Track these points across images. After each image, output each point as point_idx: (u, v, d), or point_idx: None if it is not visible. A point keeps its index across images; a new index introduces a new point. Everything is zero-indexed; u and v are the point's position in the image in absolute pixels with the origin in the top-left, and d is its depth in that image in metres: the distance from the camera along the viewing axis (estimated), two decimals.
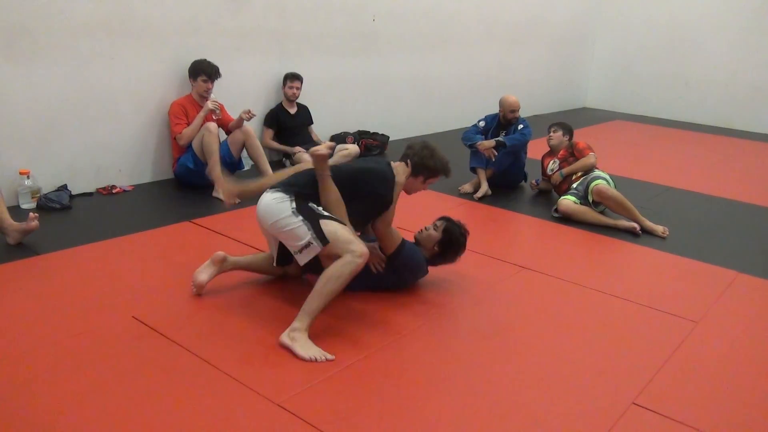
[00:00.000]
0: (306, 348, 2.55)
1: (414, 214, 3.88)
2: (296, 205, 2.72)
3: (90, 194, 4.52)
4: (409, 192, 3.16)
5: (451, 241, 3.25)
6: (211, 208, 4.39)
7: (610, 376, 2.59)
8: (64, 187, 4.36)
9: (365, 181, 2.90)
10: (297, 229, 2.67)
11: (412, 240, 3.29)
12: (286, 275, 3.25)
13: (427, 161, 3.04)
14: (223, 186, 3.22)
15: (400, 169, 3.05)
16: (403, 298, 3.16)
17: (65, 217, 4.07)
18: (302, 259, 2.70)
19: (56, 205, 4.14)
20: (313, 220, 2.67)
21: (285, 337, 2.60)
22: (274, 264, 3.05)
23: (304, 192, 2.80)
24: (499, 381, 2.53)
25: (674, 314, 3.16)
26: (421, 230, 3.31)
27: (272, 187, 2.86)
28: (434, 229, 3.28)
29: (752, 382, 2.62)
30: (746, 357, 2.82)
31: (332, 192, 2.79)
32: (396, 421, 2.24)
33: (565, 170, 4.78)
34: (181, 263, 3.44)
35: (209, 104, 4.64)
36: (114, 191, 4.59)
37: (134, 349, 2.57)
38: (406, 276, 3.25)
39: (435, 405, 2.34)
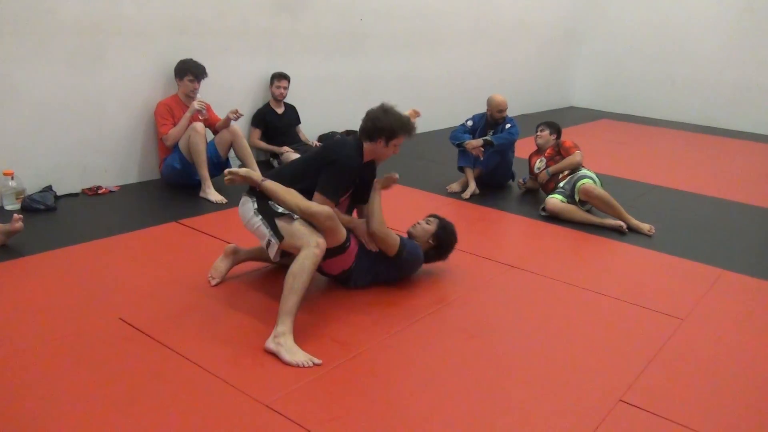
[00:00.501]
0: (292, 353, 2.54)
1: (402, 213, 3.89)
2: (257, 206, 2.93)
3: (75, 195, 4.48)
4: (378, 159, 3.17)
5: (446, 233, 3.35)
6: (198, 208, 4.37)
7: (598, 373, 2.61)
8: (48, 188, 4.32)
9: (328, 149, 3.08)
10: (259, 228, 2.90)
11: (405, 236, 3.33)
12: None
13: (377, 122, 3.00)
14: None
15: (365, 145, 3.08)
16: (390, 297, 3.16)
17: (50, 218, 4.03)
18: (271, 253, 2.88)
19: (41, 206, 4.10)
20: (269, 219, 2.86)
21: (270, 343, 2.59)
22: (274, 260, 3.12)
23: (259, 194, 2.96)
24: (487, 379, 2.53)
25: (660, 311, 3.18)
26: (414, 225, 3.39)
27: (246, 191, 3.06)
28: (427, 223, 3.36)
29: (738, 378, 2.64)
30: (732, 353, 2.84)
31: (277, 192, 2.90)
32: (384, 421, 2.23)
33: (552, 169, 4.80)
34: (168, 264, 3.42)
35: (195, 104, 4.61)
36: (100, 192, 4.56)
37: (121, 352, 2.55)
38: (407, 269, 3.32)
39: (423, 404, 2.34)
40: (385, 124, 2.99)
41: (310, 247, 2.71)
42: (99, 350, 2.55)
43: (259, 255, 3.32)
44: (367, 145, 3.07)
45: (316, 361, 2.53)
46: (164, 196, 4.67)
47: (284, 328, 2.60)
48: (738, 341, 2.96)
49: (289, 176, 3.03)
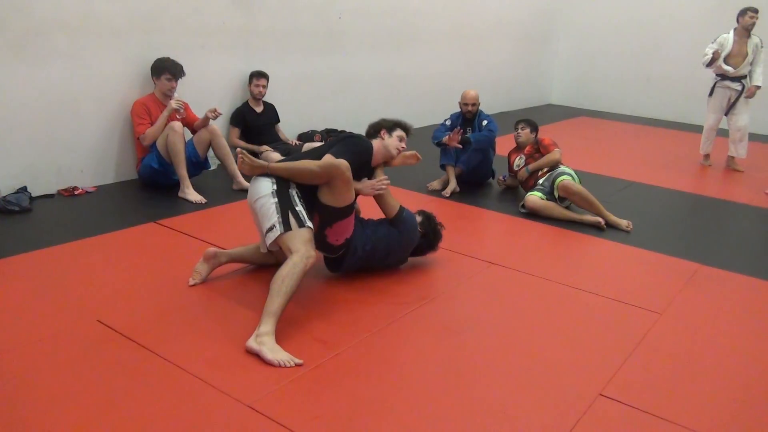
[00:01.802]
0: (274, 352, 2.53)
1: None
2: (277, 187, 2.91)
3: (51, 196, 4.42)
4: (388, 152, 3.36)
5: (430, 221, 3.50)
6: (177, 208, 4.33)
7: (577, 368, 2.63)
8: (23, 189, 4.24)
9: (340, 137, 3.29)
10: (268, 209, 2.87)
11: None
12: (278, 263, 3.21)
13: (376, 124, 3.42)
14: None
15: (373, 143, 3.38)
16: (372, 296, 3.16)
17: (25, 219, 3.97)
18: (267, 241, 2.88)
19: (15, 208, 4.03)
20: (284, 208, 2.85)
21: (252, 342, 2.57)
22: (262, 250, 3.14)
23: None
24: (468, 376, 2.54)
25: (639, 306, 3.22)
26: None
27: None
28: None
29: (714, 371, 2.68)
30: (708, 347, 2.89)
31: (288, 166, 2.95)
32: (367, 420, 2.24)
33: (531, 166, 4.83)
34: (147, 265, 3.39)
35: (173, 103, 4.56)
36: (76, 192, 4.49)
37: (99, 354, 2.52)
38: (406, 237, 3.39)
39: (406, 402, 2.34)
40: (383, 122, 3.40)
41: (304, 256, 2.73)
42: (77, 353, 2.51)
43: (241, 257, 3.30)
44: (374, 143, 3.33)
45: (297, 361, 2.53)
46: (142, 196, 4.62)
47: (267, 328, 2.59)
48: (715, 334, 3.00)
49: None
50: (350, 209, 3.04)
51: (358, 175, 3.16)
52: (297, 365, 2.51)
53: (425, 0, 7.55)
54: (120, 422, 2.12)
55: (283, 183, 2.94)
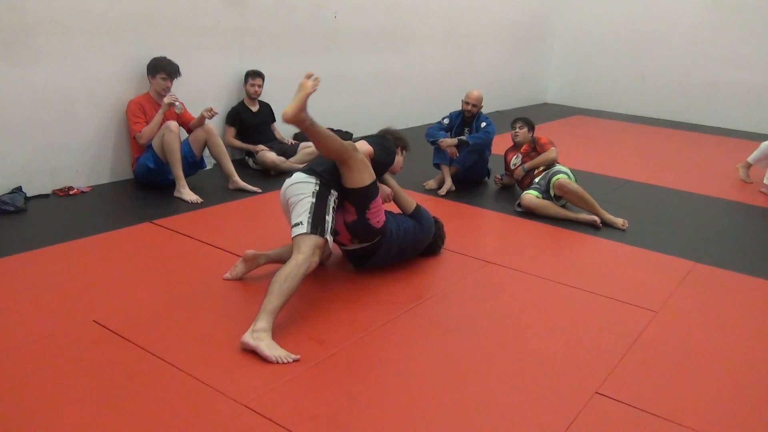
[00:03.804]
0: (271, 348, 2.53)
1: None
2: (319, 189, 2.99)
3: (46, 196, 4.40)
4: (394, 170, 3.55)
5: (438, 226, 3.65)
6: (173, 208, 4.32)
7: (573, 366, 2.64)
8: (18, 189, 4.23)
9: (380, 137, 3.49)
10: (303, 205, 2.93)
11: None
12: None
13: (400, 136, 3.63)
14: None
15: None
16: (368, 295, 3.16)
17: (20, 219, 3.95)
18: (294, 232, 2.90)
19: (10, 208, 4.01)
20: (318, 211, 2.92)
21: (248, 338, 2.56)
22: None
23: (326, 178, 3.04)
24: (464, 375, 2.54)
25: (634, 304, 3.22)
26: None
27: (302, 169, 3.15)
28: None
29: (709, 368, 2.69)
30: (704, 344, 2.90)
31: (324, 133, 2.98)
32: (364, 419, 2.23)
33: (528, 165, 4.84)
34: (142, 265, 3.38)
35: (165, 100, 4.54)
36: (71, 192, 4.48)
37: (95, 354, 2.51)
38: (426, 226, 3.54)
39: (402, 401, 2.34)
40: (403, 139, 3.61)
41: (308, 259, 2.78)
42: (73, 353, 2.51)
43: (279, 258, 3.31)
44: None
45: (295, 357, 2.53)
46: (138, 196, 4.61)
47: (264, 325, 2.59)
48: (710, 332, 3.01)
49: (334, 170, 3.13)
50: (376, 187, 3.14)
51: (376, 173, 3.22)
52: (294, 361, 2.51)
53: None
54: (116, 422, 2.12)
55: (324, 188, 3.00)
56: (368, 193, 3.09)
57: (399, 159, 3.55)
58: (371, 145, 3.24)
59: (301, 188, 3.00)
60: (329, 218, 2.94)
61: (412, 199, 3.55)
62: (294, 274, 2.71)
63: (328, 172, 3.06)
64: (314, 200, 2.94)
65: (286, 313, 2.79)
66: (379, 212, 3.18)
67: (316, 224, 2.88)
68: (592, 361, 2.68)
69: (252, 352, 2.54)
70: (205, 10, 5.19)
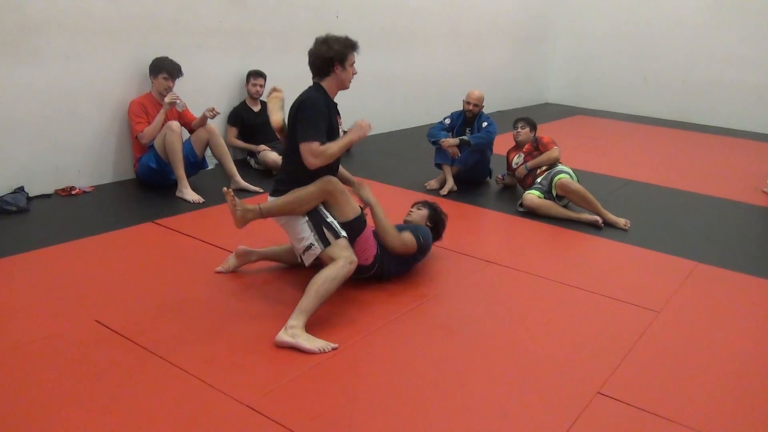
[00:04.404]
0: (311, 341, 2.59)
1: (385, 209, 3.88)
2: None
3: (48, 196, 4.41)
4: (343, 86, 3.08)
5: (437, 212, 3.59)
6: (175, 208, 4.32)
7: (575, 366, 2.63)
8: (20, 189, 4.24)
9: (292, 107, 3.02)
10: (300, 226, 2.88)
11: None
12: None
13: (324, 54, 2.99)
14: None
15: (324, 83, 3.06)
16: (370, 296, 3.16)
17: (22, 219, 3.96)
18: (307, 261, 2.92)
19: (12, 208, 4.02)
20: (317, 224, 2.86)
21: (285, 336, 2.59)
22: (298, 260, 3.15)
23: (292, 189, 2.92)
24: (466, 374, 2.54)
25: (636, 304, 3.22)
26: (409, 213, 3.59)
27: (271, 194, 3.01)
28: (418, 209, 3.58)
29: (712, 368, 2.69)
30: (706, 345, 2.89)
31: (278, 204, 2.89)
32: (365, 419, 2.23)
33: (530, 164, 4.84)
34: (144, 265, 3.38)
35: (167, 99, 4.54)
36: (73, 192, 4.48)
37: (97, 354, 2.51)
38: (428, 248, 3.43)
39: (404, 401, 2.34)
40: (334, 52, 2.97)
41: (348, 260, 2.79)
42: (75, 353, 2.51)
43: (272, 256, 3.34)
44: (326, 82, 3.02)
45: (334, 345, 2.61)
46: (139, 196, 4.62)
47: (298, 322, 2.63)
48: (712, 332, 3.01)
49: (288, 157, 3.00)
50: (362, 221, 3.03)
51: (332, 131, 2.97)
52: (333, 349, 2.60)
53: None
54: (118, 422, 2.12)
55: None
56: (352, 229, 2.96)
57: (346, 76, 3.04)
58: (308, 135, 2.85)
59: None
60: (330, 219, 2.91)
61: (411, 239, 3.23)
62: (333, 276, 2.73)
63: (291, 181, 2.92)
64: (306, 218, 2.88)
65: (288, 314, 2.79)
66: (367, 249, 3.08)
67: (324, 235, 2.85)
68: (594, 361, 2.68)
69: (290, 348, 2.57)
70: (207, 11, 5.19)
